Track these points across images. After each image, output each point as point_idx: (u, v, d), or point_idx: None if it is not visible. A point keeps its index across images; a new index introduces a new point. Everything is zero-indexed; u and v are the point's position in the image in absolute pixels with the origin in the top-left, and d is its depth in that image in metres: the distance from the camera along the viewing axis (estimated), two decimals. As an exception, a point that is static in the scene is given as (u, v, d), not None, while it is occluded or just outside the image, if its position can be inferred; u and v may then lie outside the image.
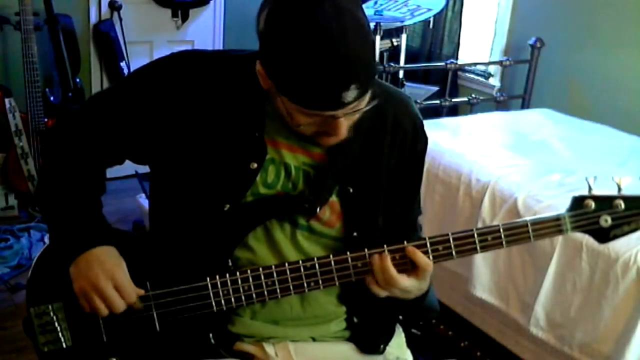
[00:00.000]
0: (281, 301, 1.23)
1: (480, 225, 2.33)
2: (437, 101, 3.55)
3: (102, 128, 1.23)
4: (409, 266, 1.16)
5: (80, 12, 3.73)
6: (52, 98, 3.45)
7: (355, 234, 1.23)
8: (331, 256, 1.17)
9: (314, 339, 1.30)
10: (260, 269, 1.18)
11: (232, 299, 1.19)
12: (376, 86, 1.08)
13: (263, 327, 1.27)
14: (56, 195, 1.25)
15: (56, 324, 1.24)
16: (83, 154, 1.25)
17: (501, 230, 1.17)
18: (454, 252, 1.17)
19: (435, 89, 3.92)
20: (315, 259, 1.18)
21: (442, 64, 3.61)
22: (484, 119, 3.20)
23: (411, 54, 4.10)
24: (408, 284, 1.16)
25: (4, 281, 2.79)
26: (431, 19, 3.98)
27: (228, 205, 1.18)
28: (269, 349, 1.27)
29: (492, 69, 4.02)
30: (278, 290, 1.18)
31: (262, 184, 1.20)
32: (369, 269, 1.17)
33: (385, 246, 1.17)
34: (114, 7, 3.71)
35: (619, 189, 1.16)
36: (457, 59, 4.01)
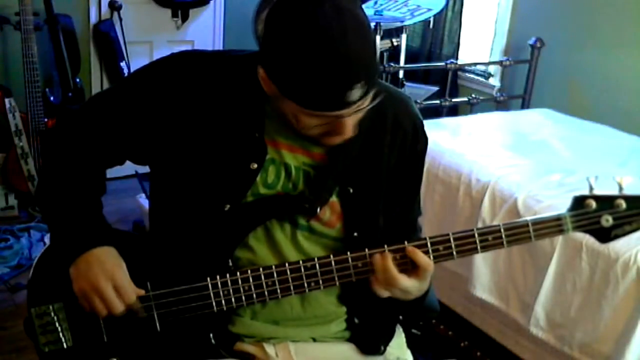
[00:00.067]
0: (282, 301, 1.23)
1: (480, 225, 2.33)
2: (437, 101, 3.55)
3: (102, 128, 1.23)
4: (409, 266, 1.16)
5: (80, 12, 3.73)
6: (52, 98, 3.45)
7: (355, 234, 1.23)
8: (331, 256, 1.17)
9: (314, 340, 1.30)
10: (261, 269, 1.18)
11: (233, 299, 1.19)
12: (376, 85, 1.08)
13: (263, 327, 1.27)
14: (56, 195, 1.25)
15: (57, 324, 1.25)
16: (83, 155, 1.25)
17: (502, 230, 1.16)
18: (454, 252, 1.17)
19: (435, 89, 3.92)
20: (316, 259, 1.18)
21: (442, 64, 3.61)
22: (484, 119, 3.20)
23: (411, 54, 4.10)
24: (409, 284, 1.16)
25: (4, 281, 2.79)
26: (431, 19, 3.98)
27: (228, 206, 1.18)
28: (269, 349, 1.27)
29: (492, 69, 4.02)
30: (278, 291, 1.18)
31: (262, 184, 1.20)
32: (370, 269, 1.17)
33: (385, 246, 1.17)
34: (114, 7, 3.71)
35: (620, 189, 1.16)
36: (457, 59, 4.01)
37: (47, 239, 3.12)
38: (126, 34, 3.72)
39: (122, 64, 3.73)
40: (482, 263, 2.32)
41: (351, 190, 1.22)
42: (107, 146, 1.25)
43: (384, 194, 1.26)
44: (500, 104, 3.74)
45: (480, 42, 4.18)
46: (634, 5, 3.17)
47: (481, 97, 3.70)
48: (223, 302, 1.19)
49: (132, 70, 3.32)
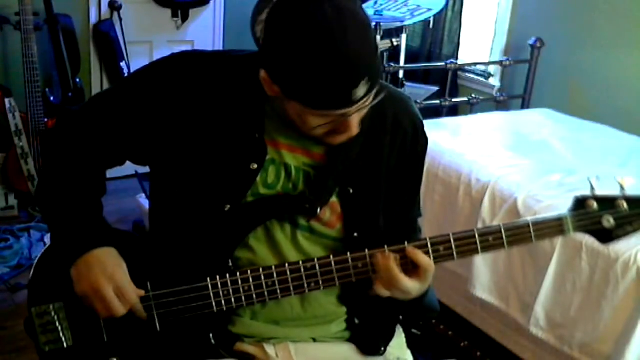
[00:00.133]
0: (282, 302, 1.23)
1: (480, 225, 2.33)
2: (437, 101, 3.55)
3: (102, 129, 1.23)
4: (409, 267, 1.16)
5: (80, 12, 3.72)
6: (52, 98, 3.45)
7: (355, 234, 1.23)
8: (331, 257, 1.18)
9: (314, 340, 1.30)
10: (261, 269, 1.18)
11: (232, 299, 1.19)
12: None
13: (263, 327, 1.27)
14: (56, 196, 1.25)
15: (57, 324, 1.25)
16: (83, 155, 1.25)
17: (502, 230, 1.16)
18: (454, 253, 1.17)
19: (435, 89, 3.92)
20: (316, 259, 1.18)
21: (442, 64, 3.61)
22: (484, 119, 3.21)
23: (411, 54, 4.10)
24: (410, 285, 1.16)
25: (4, 281, 2.79)
26: (431, 19, 3.98)
27: (228, 206, 1.18)
28: (270, 349, 1.27)
29: (492, 69, 4.02)
30: (278, 291, 1.18)
31: (262, 185, 1.20)
32: (371, 269, 1.17)
33: (385, 247, 1.17)
34: (114, 7, 3.71)
35: (622, 189, 1.15)
36: (457, 59, 4.01)
37: (47, 239, 3.13)
38: (126, 34, 3.72)
39: (122, 64, 3.73)
40: (482, 263, 2.32)
41: (351, 191, 1.22)
42: (108, 147, 1.25)
43: (384, 194, 1.26)
44: (500, 104, 3.74)
45: (480, 42, 4.18)
46: (634, 5, 3.17)
47: (481, 97, 3.70)
48: (223, 302, 1.19)
49: (132, 70, 3.33)
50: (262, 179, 1.20)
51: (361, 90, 1.01)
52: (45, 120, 3.31)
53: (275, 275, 1.18)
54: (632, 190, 1.15)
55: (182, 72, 1.20)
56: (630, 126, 3.04)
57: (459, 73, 4.12)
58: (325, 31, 0.97)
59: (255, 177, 1.18)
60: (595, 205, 1.15)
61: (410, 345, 1.43)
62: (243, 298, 1.19)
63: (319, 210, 1.19)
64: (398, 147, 1.26)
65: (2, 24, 3.40)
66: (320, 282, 1.18)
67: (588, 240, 1.99)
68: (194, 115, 1.18)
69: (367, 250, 1.17)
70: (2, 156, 3.32)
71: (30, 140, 3.31)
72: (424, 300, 1.27)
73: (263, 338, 1.27)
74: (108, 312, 1.17)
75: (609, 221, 1.15)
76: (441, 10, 3.73)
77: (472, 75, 4.12)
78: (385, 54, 3.86)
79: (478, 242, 1.16)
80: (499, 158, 2.56)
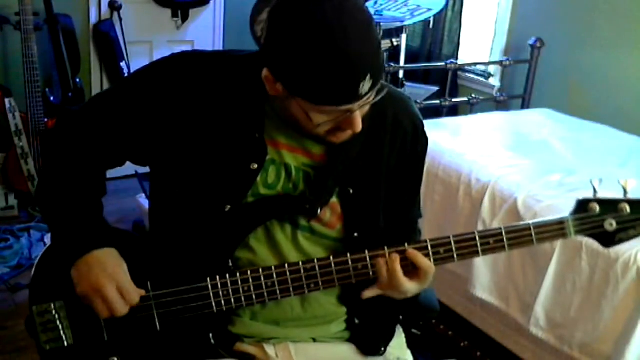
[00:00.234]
0: (282, 302, 1.23)
1: (480, 225, 2.33)
2: (437, 101, 3.54)
3: (102, 129, 1.23)
4: (409, 268, 1.16)
5: (80, 12, 3.72)
6: (52, 98, 3.45)
7: (356, 234, 1.23)
8: (331, 258, 1.18)
9: (314, 340, 1.30)
10: (260, 270, 1.18)
11: (232, 300, 1.19)
12: None
13: (263, 327, 1.27)
14: (56, 197, 1.25)
15: (58, 323, 1.25)
16: (84, 156, 1.25)
17: (503, 233, 1.16)
18: (455, 255, 1.17)
19: (435, 89, 3.92)
20: (316, 260, 1.18)
21: (442, 64, 3.61)
22: (484, 119, 3.20)
23: (411, 54, 4.10)
24: (409, 286, 1.16)
25: (4, 281, 2.79)
26: (431, 19, 3.97)
27: (229, 206, 1.18)
28: (270, 349, 1.27)
29: (492, 69, 4.02)
30: (278, 292, 1.19)
31: (262, 185, 1.20)
32: (371, 270, 1.17)
33: (385, 248, 1.17)
34: (114, 7, 3.71)
35: (625, 192, 1.14)
36: (457, 59, 4.01)
37: (47, 239, 3.13)
38: (126, 34, 3.72)
39: (122, 64, 3.73)
40: (482, 263, 2.31)
41: (351, 191, 1.22)
42: (108, 147, 1.25)
43: (384, 195, 1.26)
44: (500, 104, 3.74)
45: (480, 42, 4.18)
46: (634, 5, 3.17)
47: (481, 97, 3.70)
48: (223, 302, 1.19)
49: (132, 70, 3.33)
50: (263, 179, 1.20)
51: (366, 85, 1.01)
52: (45, 120, 3.31)
53: (274, 275, 1.18)
54: (635, 193, 1.14)
55: (182, 72, 1.20)
56: (630, 126, 3.04)
57: (459, 73, 4.12)
58: (329, 26, 0.97)
59: (256, 177, 1.18)
60: (597, 208, 1.14)
61: (410, 345, 1.43)
62: (243, 298, 1.19)
63: (319, 210, 1.19)
64: (398, 147, 1.26)
65: (2, 24, 3.40)
66: (320, 283, 1.18)
67: (588, 240, 1.96)
68: (194, 115, 1.18)
69: (367, 252, 1.17)
70: (2, 156, 3.32)
71: (30, 140, 3.31)
72: (420, 298, 1.27)
73: (263, 338, 1.28)
74: (109, 312, 1.17)
75: (611, 225, 1.14)
76: (441, 10, 3.73)
77: (472, 75, 4.12)
78: (385, 54, 3.86)
79: (479, 244, 1.16)
80: (499, 158, 2.56)
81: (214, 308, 1.20)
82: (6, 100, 3.23)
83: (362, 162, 1.23)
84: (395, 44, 3.63)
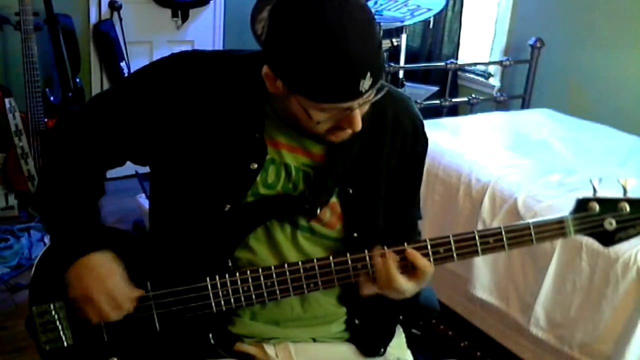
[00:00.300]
0: (282, 302, 1.23)
1: (480, 225, 2.33)
2: (437, 101, 3.54)
3: (102, 129, 1.23)
4: (408, 268, 1.16)
5: (80, 12, 3.72)
6: (52, 98, 3.45)
7: (355, 235, 1.23)
8: (331, 257, 1.17)
9: (314, 340, 1.30)
10: (260, 270, 1.18)
11: (232, 300, 1.19)
12: None
13: (263, 327, 1.27)
14: (54, 198, 1.25)
15: (57, 323, 1.25)
16: (83, 156, 1.25)
17: (503, 232, 1.16)
18: (454, 255, 1.16)
19: (435, 89, 3.92)
20: (315, 260, 1.18)
21: (442, 64, 3.61)
22: (484, 119, 3.20)
23: (411, 54, 4.10)
24: (406, 286, 1.15)
25: (4, 281, 2.79)
26: (431, 19, 3.97)
27: (228, 206, 1.18)
28: (270, 349, 1.27)
29: (492, 69, 4.02)
30: (277, 292, 1.18)
31: (262, 185, 1.20)
32: (370, 270, 1.17)
33: (385, 247, 1.17)
34: (114, 7, 3.71)
35: (625, 191, 1.14)
36: (457, 59, 4.01)
37: (47, 239, 3.12)
38: (126, 34, 3.72)
39: (122, 64, 3.73)
40: (482, 263, 2.31)
41: (351, 191, 1.22)
42: (108, 147, 1.25)
43: (384, 195, 1.26)
44: (500, 104, 3.74)
45: (480, 42, 4.17)
46: (634, 5, 3.17)
47: (481, 97, 3.70)
48: (222, 302, 1.19)
49: (132, 70, 3.33)
50: (262, 178, 1.19)
51: (367, 82, 1.01)
52: (45, 120, 3.31)
53: (274, 275, 1.18)
54: (634, 192, 1.14)
55: (182, 72, 1.19)
56: (630, 126, 3.04)
57: (459, 73, 4.12)
58: (331, 23, 0.97)
59: (255, 177, 1.18)
60: (597, 207, 1.14)
61: (410, 345, 1.43)
62: (242, 298, 1.19)
63: (318, 210, 1.19)
64: (398, 147, 1.26)
65: (2, 24, 3.40)
66: (320, 283, 1.18)
67: (588, 240, 1.97)
68: (194, 115, 1.17)
69: (366, 251, 1.17)
70: (2, 156, 3.32)
71: (30, 140, 3.31)
72: (420, 298, 1.26)
73: (263, 338, 1.27)
74: (99, 318, 1.17)
75: (611, 224, 1.14)
76: (441, 10, 3.73)
77: (472, 75, 4.12)
78: (385, 54, 3.86)
79: (478, 243, 1.16)
80: (499, 158, 2.56)
81: (214, 308, 1.20)
82: (6, 100, 3.23)
83: (362, 162, 1.23)
84: (395, 44, 3.63)
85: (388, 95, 1.12)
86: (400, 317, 1.38)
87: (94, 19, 3.77)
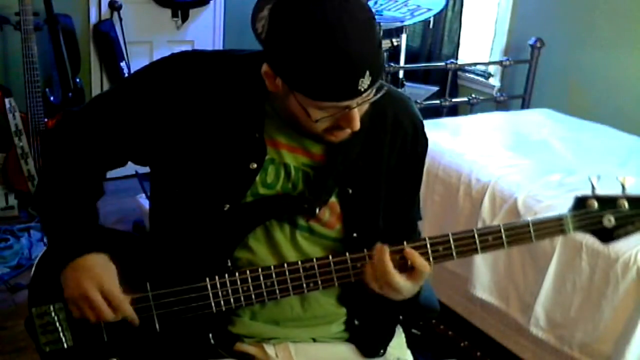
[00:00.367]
0: (281, 302, 1.23)
1: (480, 225, 2.33)
2: (437, 101, 3.55)
3: (103, 130, 1.23)
4: (407, 267, 1.16)
5: (80, 12, 3.72)
6: (52, 98, 3.45)
7: (355, 235, 1.23)
8: (330, 257, 1.17)
9: (314, 340, 1.30)
10: (259, 269, 1.18)
11: (232, 300, 1.19)
12: None
13: (263, 327, 1.27)
14: (53, 198, 1.25)
15: (57, 324, 1.25)
16: (84, 157, 1.25)
17: (502, 230, 1.16)
18: (454, 253, 1.16)
19: (435, 89, 3.92)
20: (315, 259, 1.18)
21: (442, 64, 3.61)
22: (484, 119, 3.20)
23: (411, 54, 4.10)
24: (402, 283, 1.14)
25: (4, 281, 2.79)
26: (431, 19, 3.97)
27: (228, 206, 1.18)
28: (269, 349, 1.27)
29: (492, 69, 4.02)
30: (277, 291, 1.18)
31: (261, 184, 1.20)
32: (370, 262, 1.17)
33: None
34: (114, 7, 3.71)
35: (623, 189, 1.14)
36: (457, 59, 4.01)
37: (46, 240, 3.12)
38: (126, 34, 3.72)
39: (122, 64, 3.73)
40: (482, 263, 2.31)
41: (350, 191, 1.22)
42: (108, 147, 1.25)
43: (383, 195, 1.26)
44: (500, 104, 3.74)
45: (480, 42, 4.17)
46: (634, 5, 3.17)
47: (481, 97, 3.70)
48: (222, 302, 1.19)
49: (132, 70, 3.33)
50: (262, 178, 1.19)
51: (366, 81, 1.01)
52: (45, 120, 3.31)
53: (274, 275, 1.18)
54: (633, 190, 1.15)
55: (182, 72, 1.20)
56: (630, 126, 3.04)
57: (459, 73, 4.12)
58: (331, 22, 0.97)
59: (255, 177, 1.18)
60: (596, 204, 1.15)
61: (410, 345, 1.43)
62: (242, 298, 1.19)
63: (318, 210, 1.19)
64: (398, 148, 1.26)
65: (2, 24, 3.40)
66: (319, 283, 1.18)
67: (588, 240, 1.99)
68: (194, 115, 1.18)
69: (365, 251, 1.17)
70: (2, 156, 3.32)
71: (30, 140, 3.31)
72: (419, 298, 1.26)
73: (263, 338, 1.27)
74: (96, 317, 1.17)
75: (609, 220, 1.15)
76: (441, 10, 3.73)
77: (472, 75, 4.12)
78: (385, 54, 3.86)
79: (477, 241, 1.16)
80: (499, 158, 2.56)
81: (214, 308, 1.19)
82: (6, 100, 3.23)
83: (361, 162, 1.22)
84: (395, 44, 3.63)
85: (388, 95, 1.12)
86: (400, 317, 1.38)
87: (94, 19, 3.77)
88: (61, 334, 1.25)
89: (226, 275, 1.18)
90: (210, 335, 1.22)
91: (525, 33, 3.66)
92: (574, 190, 1.19)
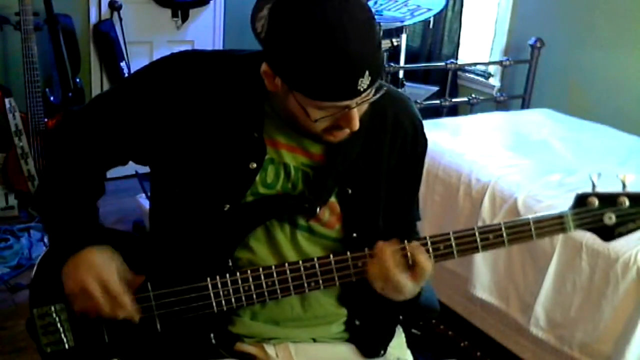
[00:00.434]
0: (282, 302, 1.23)
1: (480, 225, 2.32)
2: (437, 101, 3.55)
3: (103, 130, 1.23)
4: (408, 265, 1.16)
5: (80, 12, 3.72)
6: (52, 98, 3.45)
7: (354, 235, 1.23)
8: (331, 256, 1.17)
9: (314, 340, 1.30)
10: (260, 269, 1.18)
11: (233, 299, 1.19)
12: None
13: (264, 327, 1.27)
14: (54, 197, 1.25)
15: (59, 325, 1.25)
16: (85, 156, 1.26)
17: (503, 228, 1.16)
18: (455, 251, 1.16)
19: (435, 89, 3.92)
20: (316, 259, 1.18)
21: (442, 64, 3.61)
22: (484, 119, 3.20)
23: (411, 54, 4.10)
24: (403, 282, 1.14)
25: (4, 281, 2.79)
26: (431, 19, 3.97)
27: (228, 206, 1.18)
28: (270, 349, 1.27)
29: (492, 69, 4.02)
30: (278, 291, 1.18)
31: (261, 184, 1.20)
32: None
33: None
34: (114, 7, 3.71)
35: (624, 186, 1.14)
36: (457, 59, 4.01)
37: (47, 239, 3.12)
38: (126, 34, 3.72)
39: (122, 64, 3.73)
40: (482, 263, 2.32)
41: (350, 191, 1.22)
42: (109, 147, 1.25)
43: (383, 195, 1.26)
44: (500, 104, 3.74)
45: (480, 42, 4.18)
46: (634, 5, 3.17)
47: (481, 97, 3.70)
48: (223, 302, 1.19)
49: (132, 70, 3.33)
50: (261, 178, 1.20)
51: (365, 81, 1.01)
52: (45, 120, 3.31)
53: (275, 275, 1.18)
54: (633, 187, 1.15)
55: (182, 71, 1.20)
56: (630, 126, 3.04)
57: (459, 73, 4.12)
58: (331, 21, 0.97)
59: (255, 177, 1.18)
60: (596, 202, 1.15)
61: (410, 345, 1.43)
62: (243, 298, 1.19)
63: (317, 210, 1.19)
64: (398, 148, 1.26)
65: (2, 24, 3.40)
66: (320, 282, 1.18)
67: (588, 240, 1.99)
68: (193, 115, 1.18)
69: (366, 250, 1.17)
70: (2, 156, 3.32)
71: (30, 140, 3.31)
72: (419, 300, 1.26)
73: (263, 338, 1.27)
74: (96, 310, 1.17)
75: (610, 218, 1.15)
76: (441, 10, 3.73)
77: (472, 75, 4.12)
78: (385, 54, 3.86)
79: (478, 240, 1.16)
80: (499, 158, 2.56)
81: (214, 308, 1.20)
82: (6, 100, 3.23)
83: (361, 162, 1.23)
84: (395, 44, 3.63)
85: (388, 95, 1.12)
86: (401, 317, 1.38)
87: (94, 19, 3.77)
88: (62, 335, 1.25)
89: (227, 275, 1.19)
90: (212, 335, 1.22)
91: (525, 33, 3.66)
92: (574, 190, 1.19)
